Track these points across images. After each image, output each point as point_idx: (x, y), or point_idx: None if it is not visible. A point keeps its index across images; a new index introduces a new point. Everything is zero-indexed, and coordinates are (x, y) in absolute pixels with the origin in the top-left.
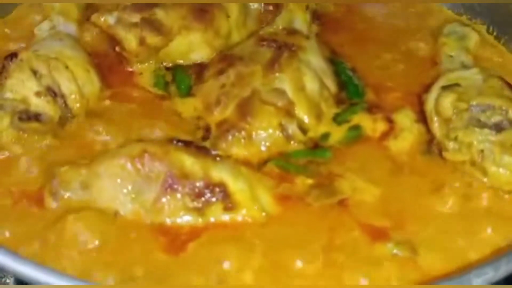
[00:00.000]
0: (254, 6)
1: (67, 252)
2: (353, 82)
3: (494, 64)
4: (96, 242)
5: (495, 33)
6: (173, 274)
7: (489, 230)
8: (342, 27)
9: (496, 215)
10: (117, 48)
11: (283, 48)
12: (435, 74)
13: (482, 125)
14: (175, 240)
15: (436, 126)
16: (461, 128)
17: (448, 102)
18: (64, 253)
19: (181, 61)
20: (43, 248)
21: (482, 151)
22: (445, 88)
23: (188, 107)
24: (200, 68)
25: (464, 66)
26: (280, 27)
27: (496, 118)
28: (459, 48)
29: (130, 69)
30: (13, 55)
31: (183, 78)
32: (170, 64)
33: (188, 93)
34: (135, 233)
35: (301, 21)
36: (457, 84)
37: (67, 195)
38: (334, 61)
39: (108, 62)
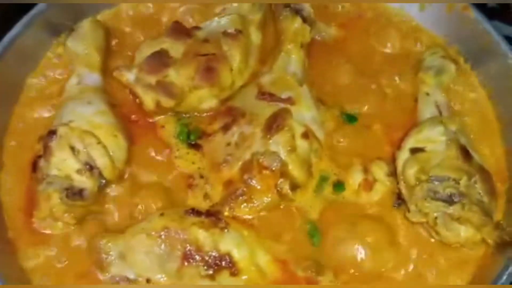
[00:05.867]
0: (255, 41)
1: None
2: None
3: (465, 99)
4: None
5: (470, 63)
6: None
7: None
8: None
9: None
10: (137, 100)
11: (279, 109)
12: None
13: (437, 197)
14: None
15: (402, 187)
16: (420, 198)
17: (412, 173)
18: None
19: (192, 112)
20: None
21: (436, 218)
22: (412, 151)
23: (191, 163)
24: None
25: (437, 106)
26: (277, 76)
27: (449, 191)
28: (436, 85)
29: (152, 120)
30: (52, 133)
31: (189, 132)
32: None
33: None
34: None
35: (296, 61)
36: (422, 150)
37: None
38: None
39: (131, 111)
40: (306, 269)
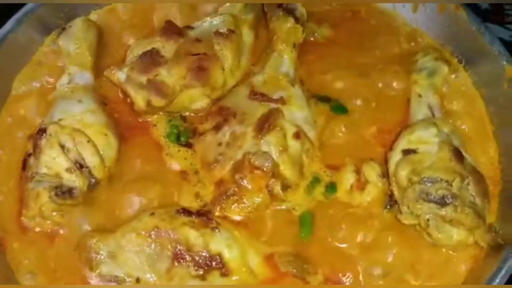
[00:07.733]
0: (248, 41)
1: None
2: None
3: (458, 101)
4: None
5: (463, 64)
6: None
7: None
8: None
9: None
10: (128, 100)
11: (270, 109)
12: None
13: (429, 199)
14: None
15: (394, 189)
16: (412, 200)
17: (404, 174)
18: None
19: (184, 111)
20: None
21: (428, 220)
22: (404, 153)
23: (183, 159)
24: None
25: (430, 107)
26: (269, 75)
27: (441, 192)
28: (428, 86)
29: (143, 119)
30: (42, 131)
31: (180, 132)
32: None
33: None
34: None
35: (288, 61)
36: (414, 151)
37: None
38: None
39: (122, 110)
40: (288, 265)
